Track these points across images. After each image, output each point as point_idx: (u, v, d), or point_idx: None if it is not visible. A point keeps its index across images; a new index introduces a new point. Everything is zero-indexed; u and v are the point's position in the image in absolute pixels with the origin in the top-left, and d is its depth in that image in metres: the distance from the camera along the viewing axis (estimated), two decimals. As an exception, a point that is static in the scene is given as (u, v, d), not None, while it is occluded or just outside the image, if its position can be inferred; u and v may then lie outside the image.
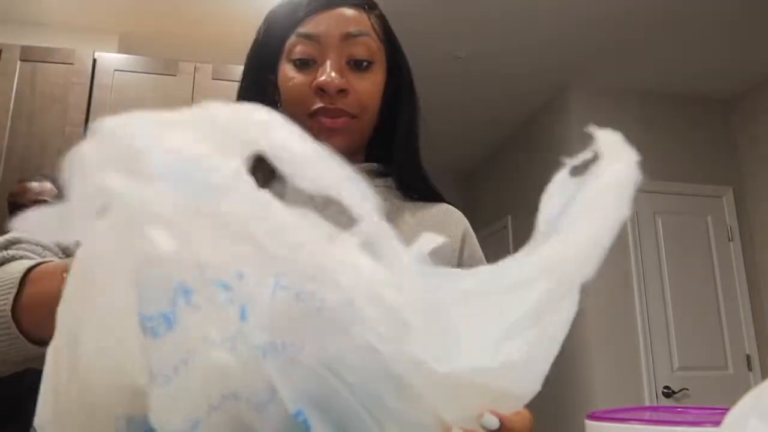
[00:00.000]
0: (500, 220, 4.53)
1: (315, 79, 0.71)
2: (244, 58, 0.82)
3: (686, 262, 3.54)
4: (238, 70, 0.86)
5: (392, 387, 0.33)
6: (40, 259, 0.55)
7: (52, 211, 0.32)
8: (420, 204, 0.82)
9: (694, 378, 3.35)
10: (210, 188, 0.31)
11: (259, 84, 0.78)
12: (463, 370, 0.34)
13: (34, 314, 0.49)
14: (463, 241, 0.81)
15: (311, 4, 0.74)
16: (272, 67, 0.76)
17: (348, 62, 0.73)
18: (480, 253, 0.83)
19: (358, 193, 0.33)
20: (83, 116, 2.56)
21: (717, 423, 0.40)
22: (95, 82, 2.62)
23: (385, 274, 0.34)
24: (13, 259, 0.56)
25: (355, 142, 0.76)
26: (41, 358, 0.36)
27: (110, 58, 2.70)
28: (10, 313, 0.49)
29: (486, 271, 0.38)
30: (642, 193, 3.32)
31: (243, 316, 0.31)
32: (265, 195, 0.32)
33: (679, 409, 0.58)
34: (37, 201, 1.84)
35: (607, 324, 3.35)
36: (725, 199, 3.73)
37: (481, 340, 0.35)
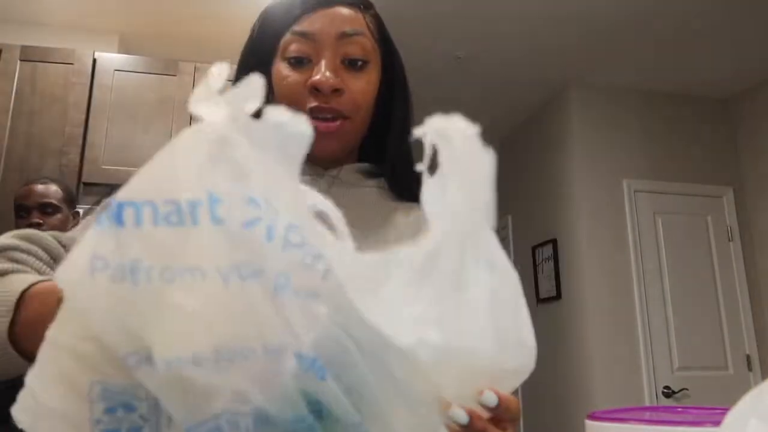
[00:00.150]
0: (500, 220, 4.51)
1: (309, 77, 0.71)
2: (242, 58, 0.81)
3: (686, 262, 3.55)
4: (238, 70, 0.86)
5: (400, 358, 0.34)
6: (38, 278, 0.55)
7: None
8: (413, 204, 0.81)
9: (694, 378, 3.35)
10: None
11: None
12: (466, 348, 0.35)
13: (31, 335, 0.49)
14: None
15: (307, 2, 0.74)
16: (266, 65, 0.76)
17: (343, 61, 0.73)
18: None
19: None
20: (83, 116, 2.56)
21: (717, 423, 0.40)
22: (95, 82, 2.62)
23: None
24: (11, 271, 0.56)
25: (348, 144, 0.76)
26: None
27: (110, 58, 2.70)
28: (6, 335, 0.49)
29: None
30: (642, 193, 3.31)
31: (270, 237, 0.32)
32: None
33: (679, 409, 0.58)
34: (43, 203, 1.85)
35: (607, 324, 3.35)
36: (725, 199, 3.73)
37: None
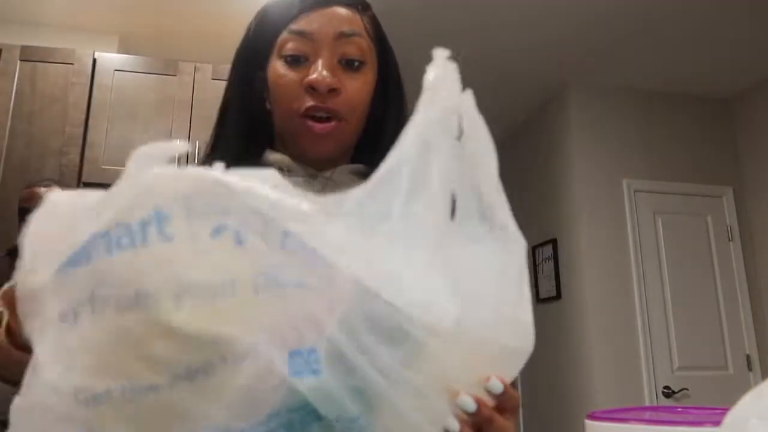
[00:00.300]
0: (500, 220, 4.52)
1: (306, 76, 0.71)
2: (243, 58, 0.81)
3: (686, 262, 3.54)
4: (239, 70, 0.86)
5: (406, 350, 0.34)
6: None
7: None
8: None
9: (694, 378, 3.35)
10: None
11: (247, 80, 0.77)
12: (472, 325, 0.36)
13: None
14: None
15: (305, 1, 0.74)
16: (262, 64, 0.75)
17: (340, 61, 0.72)
18: None
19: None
20: (83, 116, 2.56)
21: (717, 423, 0.40)
22: (95, 82, 2.62)
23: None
24: None
25: (343, 145, 0.76)
26: None
27: (110, 58, 2.70)
28: None
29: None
30: (642, 193, 3.30)
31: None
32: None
33: (679, 409, 0.58)
34: None
35: (607, 324, 3.35)
36: (725, 199, 3.73)
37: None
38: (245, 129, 0.77)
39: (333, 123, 0.72)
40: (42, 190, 1.88)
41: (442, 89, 0.40)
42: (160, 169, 0.34)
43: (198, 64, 2.73)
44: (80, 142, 2.52)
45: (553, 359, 3.66)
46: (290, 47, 0.72)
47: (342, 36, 0.72)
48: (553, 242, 3.74)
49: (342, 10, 0.74)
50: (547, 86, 3.74)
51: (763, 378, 2.62)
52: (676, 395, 3.29)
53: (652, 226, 3.56)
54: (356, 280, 0.34)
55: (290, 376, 0.32)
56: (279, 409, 0.32)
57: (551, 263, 3.75)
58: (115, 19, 3.07)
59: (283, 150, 0.75)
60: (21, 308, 0.34)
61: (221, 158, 0.76)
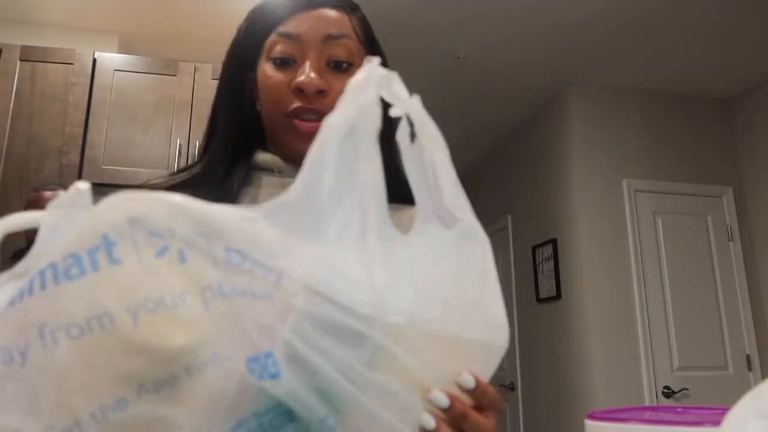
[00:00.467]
0: (500, 220, 4.53)
1: (294, 78, 0.71)
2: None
3: (686, 262, 3.54)
4: (238, 70, 0.86)
5: (367, 350, 0.35)
6: None
7: None
8: (397, 206, 0.81)
9: (694, 378, 3.35)
10: None
11: (237, 81, 0.78)
12: (430, 321, 0.37)
13: None
14: None
15: (294, 3, 0.74)
16: (252, 65, 0.76)
17: (328, 63, 0.73)
18: None
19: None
20: (83, 116, 2.56)
21: (717, 423, 0.40)
22: (95, 82, 2.62)
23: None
24: None
25: None
26: None
27: (110, 58, 2.70)
28: None
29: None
30: (642, 193, 3.30)
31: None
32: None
33: (679, 409, 0.58)
34: None
35: (607, 324, 3.35)
36: (725, 199, 3.73)
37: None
38: (235, 129, 0.77)
39: (321, 122, 0.72)
40: (48, 194, 1.89)
41: (360, 93, 0.41)
42: (107, 199, 0.36)
43: (198, 64, 2.73)
44: (80, 142, 2.52)
45: (553, 359, 3.66)
46: (278, 50, 0.73)
47: (330, 38, 0.73)
48: (553, 242, 3.74)
49: (330, 12, 0.74)
50: (547, 86, 3.75)
51: (763, 378, 2.62)
52: (676, 395, 3.29)
53: (652, 226, 3.56)
54: (304, 284, 0.35)
55: (252, 380, 0.32)
56: (249, 416, 0.33)
57: (551, 263, 3.75)
58: (115, 19, 3.07)
59: (274, 150, 0.76)
60: None
61: (212, 158, 0.77)
